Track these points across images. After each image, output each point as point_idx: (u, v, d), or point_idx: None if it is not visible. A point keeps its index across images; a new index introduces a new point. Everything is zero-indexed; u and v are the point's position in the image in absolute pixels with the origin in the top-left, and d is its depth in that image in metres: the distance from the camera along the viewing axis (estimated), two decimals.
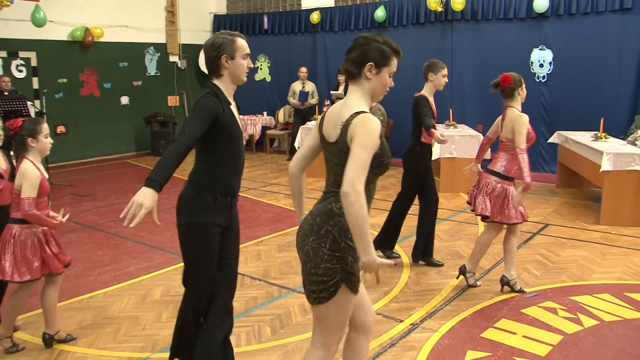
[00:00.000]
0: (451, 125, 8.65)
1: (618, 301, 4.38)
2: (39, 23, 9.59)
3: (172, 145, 2.62)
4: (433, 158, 6.03)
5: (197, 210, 2.84)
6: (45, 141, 3.51)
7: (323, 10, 11.78)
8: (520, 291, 4.52)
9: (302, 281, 2.45)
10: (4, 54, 10.19)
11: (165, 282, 4.88)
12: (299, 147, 9.85)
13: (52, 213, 3.64)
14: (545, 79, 9.40)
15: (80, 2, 11.14)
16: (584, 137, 7.53)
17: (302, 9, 12.32)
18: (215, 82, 2.85)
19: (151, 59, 12.68)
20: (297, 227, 2.53)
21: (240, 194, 3.09)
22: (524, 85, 4.40)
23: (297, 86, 11.38)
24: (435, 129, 4.73)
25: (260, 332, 3.94)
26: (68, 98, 11.13)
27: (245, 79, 2.90)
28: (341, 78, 10.98)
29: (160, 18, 12.77)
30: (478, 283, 4.73)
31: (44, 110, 9.61)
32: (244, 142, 11.18)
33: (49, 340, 3.69)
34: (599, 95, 8.92)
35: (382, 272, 2.31)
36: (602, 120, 7.19)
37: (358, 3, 11.52)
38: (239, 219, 3.10)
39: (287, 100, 11.71)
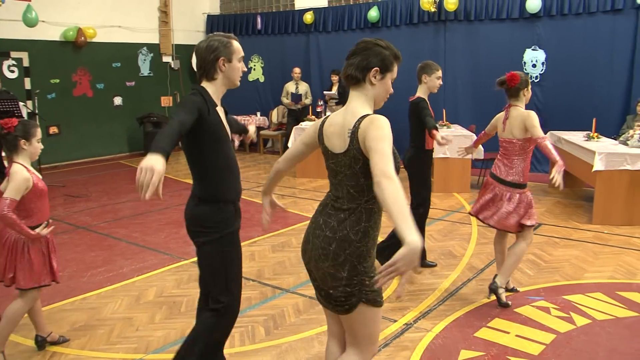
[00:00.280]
0: (444, 125, 8.67)
1: (610, 300, 4.40)
2: (30, 23, 9.55)
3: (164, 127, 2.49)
4: None
5: (225, 222, 2.83)
6: (37, 145, 3.47)
7: (316, 11, 11.79)
8: (505, 305, 4.28)
9: (316, 288, 2.45)
10: None
11: (159, 283, 4.87)
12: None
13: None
14: (538, 79, 9.45)
15: (73, 2, 11.10)
16: (576, 137, 7.57)
17: (296, 9, 12.32)
18: (205, 85, 2.80)
19: (144, 60, 12.65)
20: (305, 236, 2.45)
21: None
22: (529, 87, 4.24)
23: (290, 86, 11.39)
24: (438, 130, 4.64)
25: (254, 332, 3.94)
26: (61, 98, 11.09)
27: (239, 83, 2.88)
28: (334, 78, 11.00)
29: (154, 18, 12.74)
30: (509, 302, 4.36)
31: (37, 111, 9.57)
32: (238, 143, 11.13)
33: (41, 343, 3.66)
34: (591, 95, 8.98)
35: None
36: (594, 121, 7.22)
37: (351, 3, 11.54)
38: None
39: (280, 100, 11.72)
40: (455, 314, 4.18)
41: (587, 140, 7.21)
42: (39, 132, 3.48)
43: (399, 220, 1.83)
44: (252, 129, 3.59)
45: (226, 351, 3.27)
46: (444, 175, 8.16)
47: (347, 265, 2.23)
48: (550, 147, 4.03)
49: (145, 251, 5.75)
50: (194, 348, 2.89)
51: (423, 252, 5.14)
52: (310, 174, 9.53)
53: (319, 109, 11.12)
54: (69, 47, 11.16)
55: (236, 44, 2.79)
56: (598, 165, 6.36)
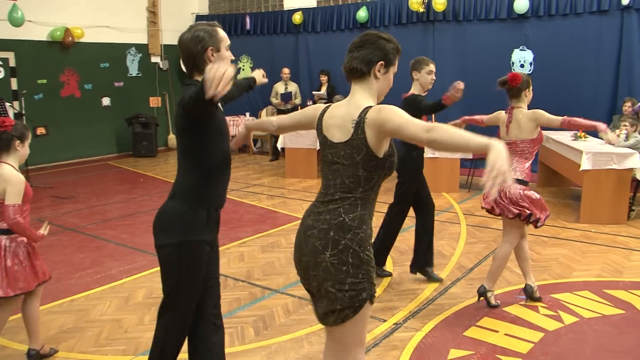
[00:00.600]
0: None
1: (597, 298, 4.44)
2: (16, 23, 9.48)
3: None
4: None
5: (191, 228, 2.57)
6: (27, 149, 3.44)
7: (305, 11, 11.79)
8: (539, 299, 4.36)
9: (313, 300, 2.36)
10: None
11: (148, 285, 4.85)
12: (281, 148, 9.87)
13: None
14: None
15: (60, 2, 11.02)
16: (564, 136, 7.63)
17: (285, 9, 12.31)
18: (199, 79, 2.56)
19: (133, 60, 12.59)
20: (296, 245, 2.36)
21: None
22: (531, 87, 4.20)
23: (279, 87, 11.37)
24: (444, 103, 4.47)
25: (244, 333, 3.94)
26: (48, 99, 11.00)
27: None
28: (323, 78, 11.01)
29: (142, 18, 12.68)
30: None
31: (24, 112, 9.50)
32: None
33: (34, 357, 3.50)
34: (578, 95, 9.04)
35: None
36: None
37: (340, 4, 11.55)
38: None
39: (269, 101, 11.70)
40: (445, 314, 4.20)
41: (574, 139, 7.28)
42: (30, 136, 3.45)
43: (466, 143, 1.91)
44: (257, 73, 3.40)
45: None
46: (432, 175, 8.12)
47: (349, 252, 2.16)
48: (575, 119, 3.99)
49: (134, 252, 5.72)
50: (152, 355, 2.78)
51: (431, 261, 4.86)
52: (300, 174, 9.54)
53: None
54: (57, 47, 11.08)
55: (222, 32, 2.62)
56: (585, 164, 6.41)
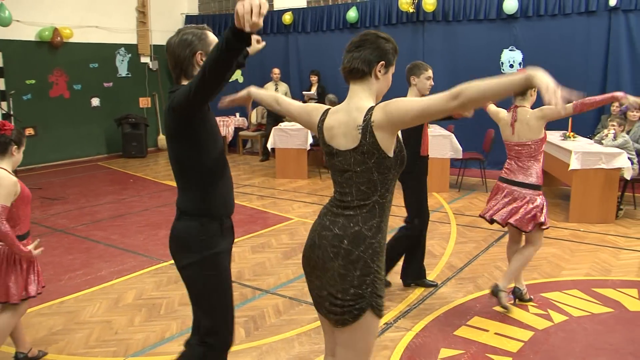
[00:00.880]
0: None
1: (586, 296, 4.48)
2: (4, 22, 9.41)
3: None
4: None
5: (207, 243, 2.47)
6: (22, 155, 3.38)
7: (295, 11, 11.79)
8: (529, 299, 4.36)
9: (316, 299, 2.31)
10: None
11: (138, 285, 4.83)
12: (271, 148, 9.85)
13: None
14: None
15: (48, 1, 10.94)
16: (553, 136, 7.66)
17: (275, 9, 12.30)
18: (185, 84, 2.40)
19: (122, 60, 12.53)
20: (309, 240, 2.30)
21: None
22: (536, 87, 4.24)
23: (270, 87, 11.35)
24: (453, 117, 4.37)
25: (235, 334, 3.92)
26: (37, 100, 10.92)
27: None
28: (314, 79, 11.01)
29: (131, 19, 12.63)
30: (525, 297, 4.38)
31: (12, 112, 9.43)
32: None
33: None
34: None
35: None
36: (570, 120, 7.34)
37: (330, 4, 11.56)
38: None
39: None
40: (435, 313, 4.21)
41: (563, 139, 7.33)
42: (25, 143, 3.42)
43: (503, 88, 1.92)
44: (255, 40, 2.97)
45: None
46: None
47: (360, 263, 2.13)
48: (588, 98, 3.91)
49: (124, 253, 5.70)
50: None
51: (424, 270, 4.78)
52: (290, 174, 9.53)
53: None
54: (45, 47, 11.01)
55: (211, 35, 2.51)
56: (574, 164, 6.46)
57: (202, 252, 2.45)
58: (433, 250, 5.68)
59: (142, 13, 12.67)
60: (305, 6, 11.92)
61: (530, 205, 4.02)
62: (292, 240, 6.02)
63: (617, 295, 4.50)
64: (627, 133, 7.05)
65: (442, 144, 8.15)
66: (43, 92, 11.06)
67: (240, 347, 3.71)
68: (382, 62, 2.19)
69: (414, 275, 4.74)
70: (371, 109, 2.12)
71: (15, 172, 3.43)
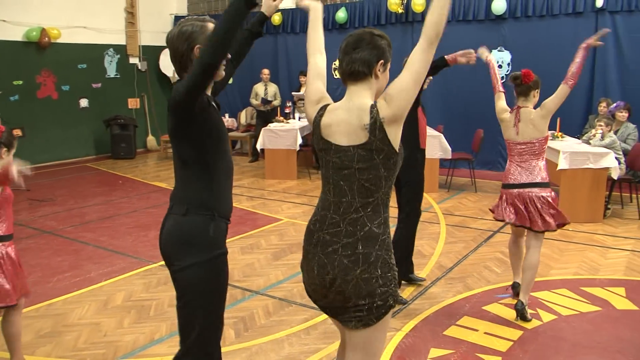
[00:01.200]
0: None
1: (575, 295, 4.51)
2: None
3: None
4: None
5: (216, 242, 2.33)
6: (11, 158, 3.33)
7: (284, 12, 11.79)
8: (527, 320, 4.06)
9: (335, 311, 2.22)
10: None
11: (127, 287, 4.80)
12: (261, 149, 9.82)
13: None
14: (504, 80, 9.58)
15: (36, 1, 10.84)
16: None
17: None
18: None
19: (111, 61, 12.46)
20: (315, 267, 2.19)
21: None
22: (539, 90, 4.18)
23: (259, 88, 11.34)
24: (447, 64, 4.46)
25: (224, 335, 3.89)
26: (24, 101, 10.83)
27: (224, 72, 2.45)
28: (303, 79, 10.99)
29: (120, 19, 12.56)
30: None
31: None
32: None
33: None
34: None
35: None
36: (558, 120, 7.39)
37: None
38: None
39: (249, 102, 11.67)
40: (425, 313, 4.22)
41: (551, 139, 7.36)
42: (16, 146, 3.37)
43: None
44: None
45: None
46: None
47: (379, 262, 2.10)
48: (570, 70, 4.30)
49: (113, 255, 5.67)
50: None
51: (412, 268, 4.78)
52: (279, 175, 9.52)
53: (287, 110, 11.11)
54: (33, 47, 10.91)
55: (212, 27, 2.32)
56: (562, 164, 6.50)
57: (212, 251, 2.30)
58: (422, 250, 5.69)
59: (131, 14, 12.61)
60: (295, 7, 11.91)
61: (549, 206, 4.01)
62: (282, 241, 6.01)
63: (604, 294, 4.54)
64: (615, 133, 7.11)
65: (431, 144, 8.14)
66: (31, 93, 10.96)
67: (230, 349, 3.70)
68: (381, 60, 2.19)
69: (402, 273, 4.67)
70: (374, 106, 2.10)
71: None
